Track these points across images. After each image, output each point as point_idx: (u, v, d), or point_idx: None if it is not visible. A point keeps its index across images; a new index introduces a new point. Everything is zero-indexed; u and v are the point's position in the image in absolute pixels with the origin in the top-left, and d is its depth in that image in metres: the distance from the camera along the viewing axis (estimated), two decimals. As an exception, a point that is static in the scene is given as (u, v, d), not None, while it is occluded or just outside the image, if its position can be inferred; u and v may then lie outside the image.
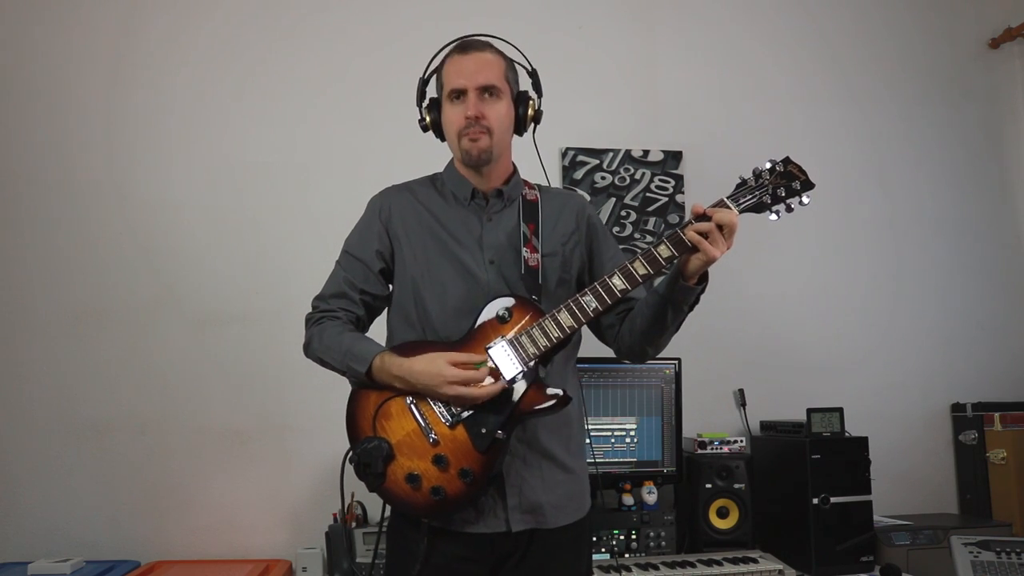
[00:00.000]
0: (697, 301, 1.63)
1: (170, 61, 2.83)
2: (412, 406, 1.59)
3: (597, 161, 3.04)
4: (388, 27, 2.95)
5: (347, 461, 1.61)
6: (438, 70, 1.74)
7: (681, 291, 1.59)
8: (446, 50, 1.75)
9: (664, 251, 1.56)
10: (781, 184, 1.59)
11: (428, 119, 1.76)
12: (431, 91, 1.79)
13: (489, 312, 1.61)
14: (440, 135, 1.76)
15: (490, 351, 1.58)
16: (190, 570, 2.52)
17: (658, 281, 1.66)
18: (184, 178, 2.80)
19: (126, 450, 2.68)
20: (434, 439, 1.57)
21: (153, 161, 2.79)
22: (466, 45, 1.71)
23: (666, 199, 3.07)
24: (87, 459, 2.66)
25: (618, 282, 1.57)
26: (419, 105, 1.78)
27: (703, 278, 1.61)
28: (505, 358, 1.57)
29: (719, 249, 1.52)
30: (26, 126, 2.76)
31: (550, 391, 1.59)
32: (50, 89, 2.77)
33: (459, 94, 1.67)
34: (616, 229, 3.01)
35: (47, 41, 2.79)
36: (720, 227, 1.52)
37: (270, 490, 2.72)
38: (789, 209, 1.59)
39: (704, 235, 1.52)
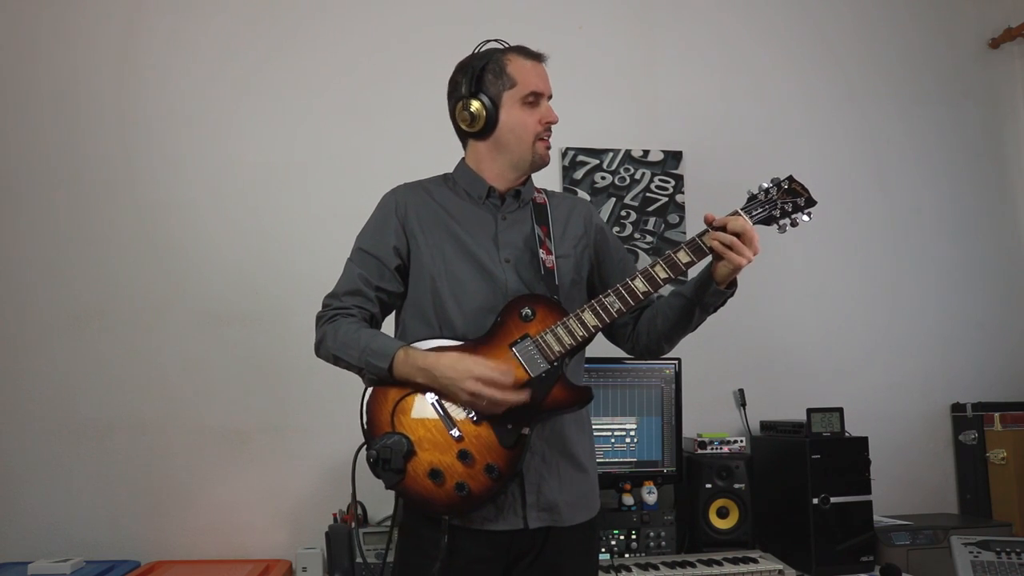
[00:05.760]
0: (724, 303, 1.72)
1: (175, 62, 2.83)
2: (434, 401, 1.59)
3: (597, 161, 3.04)
4: (390, 28, 2.95)
5: (365, 459, 1.58)
6: (497, 68, 1.71)
7: (713, 295, 1.68)
8: (492, 47, 1.74)
9: (683, 257, 1.64)
10: (788, 200, 1.69)
11: (485, 113, 1.70)
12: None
13: (510, 310, 1.63)
14: (488, 130, 1.72)
15: (515, 348, 1.60)
16: (190, 570, 2.52)
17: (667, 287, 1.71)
18: (187, 178, 2.79)
19: (126, 450, 2.68)
20: (458, 434, 1.57)
21: (157, 161, 2.79)
22: (533, 52, 1.74)
23: (666, 199, 3.07)
24: (87, 459, 2.66)
25: (640, 285, 1.63)
26: (474, 95, 1.70)
27: (732, 283, 1.68)
28: (530, 355, 1.60)
29: (744, 257, 1.59)
30: (29, 127, 2.75)
31: (575, 387, 1.63)
32: (54, 90, 2.77)
33: (537, 98, 1.71)
34: (616, 229, 3.01)
35: (52, 42, 2.79)
36: (738, 235, 1.59)
37: (270, 490, 2.72)
38: (794, 224, 1.70)
39: (728, 246, 1.59)
